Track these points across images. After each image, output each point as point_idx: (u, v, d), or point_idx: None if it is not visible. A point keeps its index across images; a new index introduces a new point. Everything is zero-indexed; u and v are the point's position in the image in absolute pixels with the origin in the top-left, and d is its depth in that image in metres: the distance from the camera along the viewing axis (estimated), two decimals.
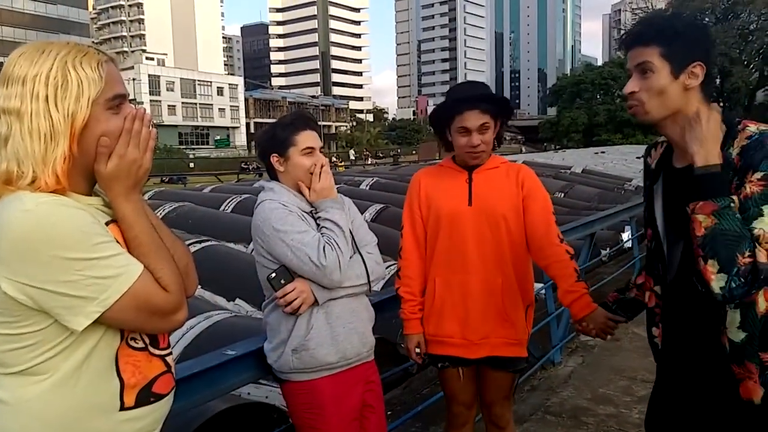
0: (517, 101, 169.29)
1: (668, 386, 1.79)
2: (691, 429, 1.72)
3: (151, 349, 1.28)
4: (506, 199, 2.33)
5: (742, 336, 1.50)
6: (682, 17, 1.65)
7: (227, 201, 10.73)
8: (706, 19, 61.42)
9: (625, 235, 8.25)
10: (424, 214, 2.42)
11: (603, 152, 30.81)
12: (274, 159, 2.15)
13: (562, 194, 12.88)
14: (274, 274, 2.01)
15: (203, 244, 6.78)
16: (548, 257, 2.32)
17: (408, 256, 2.43)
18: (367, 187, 13.35)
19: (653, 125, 1.66)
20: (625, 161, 24.22)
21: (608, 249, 8.24)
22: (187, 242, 6.45)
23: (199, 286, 5.91)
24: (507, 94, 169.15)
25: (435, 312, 2.38)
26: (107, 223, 1.22)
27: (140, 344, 1.26)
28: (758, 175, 1.44)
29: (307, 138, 2.14)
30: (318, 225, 2.11)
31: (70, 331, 1.14)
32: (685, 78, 1.57)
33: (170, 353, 1.34)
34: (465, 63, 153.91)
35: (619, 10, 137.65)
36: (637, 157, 25.20)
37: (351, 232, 2.17)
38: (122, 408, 1.21)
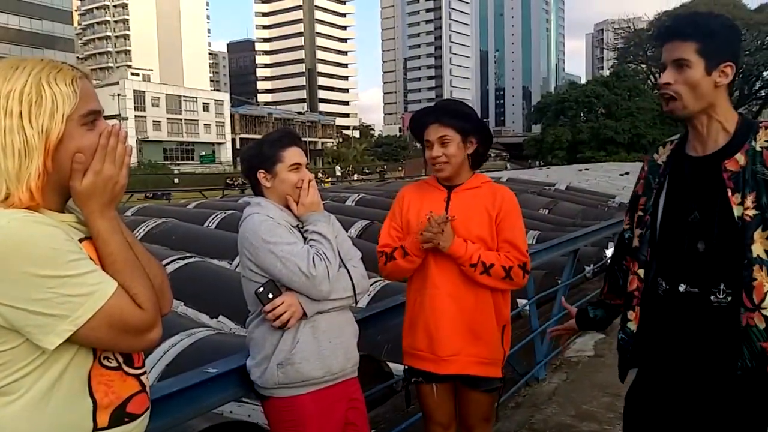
0: (502, 118, 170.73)
1: (645, 369, 1.86)
2: (673, 410, 1.78)
3: (126, 368, 1.26)
4: (481, 221, 2.34)
5: None
6: (719, 18, 1.73)
7: (211, 217, 10.65)
8: None
9: (609, 252, 8.31)
10: (403, 228, 2.44)
11: (587, 169, 31.05)
12: (261, 175, 2.16)
13: (547, 211, 12.96)
14: (261, 288, 2.01)
15: (187, 261, 6.72)
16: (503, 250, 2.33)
17: (384, 241, 2.45)
18: (353, 203, 13.35)
19: (685, 119, 1.74)
20: (608, 178, 24.42)
21: (592, 265, 8.30)
22: (171, 259, 6.40)
23: (182, 303, 5.88)
24: (492, 111, 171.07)
25: (410, 324, 2.42)
26: (81, 240, 1.21)
27: (114, 363, 1.24)
28: None
29: (294, 154, 2.16)
30: (305, 239, 2.11)
31: (42, 350, 1.13)
32: (716, 75, 1.66)
33: (145, 372, 1.32)
34: (450, 81, 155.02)
35: (602, 29, 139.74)
36: (620, 174, 25.47)
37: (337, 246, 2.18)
38: (95, 429, 1.19)
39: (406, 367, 2.46)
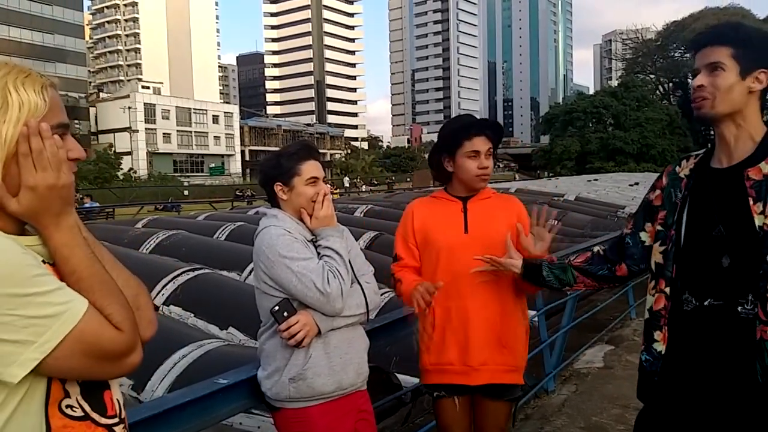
0: (510, 129, 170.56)
1: (671, 388, 1.78)
2: (692, 424, 1.73)
3: (95, 417, 1.05)
4: (504, 227, 2.38)
5: None
6: (755, 28, 1.76)
7: (221, 229, 10.70)
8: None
9: None
10: (419, 244, 2.45)
11: (596, 180, 30.96)
12: (278, 188, 2.17)
13: (556, 221, 12.92)
14: (277, 307, 2.01)
15: (197, 272, 6.75)
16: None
17: (403, 263, 2.48)
18: (361, 215, 13.37)
19: (713, 121, 1.72)
20: (617, 188, 24.33)
21: None
22: (181, 270, 6.43)
23: (192, 314, 5.91)
24: (500, 122, 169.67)
25: (437, 340, 2.40)
26: (46, 263, 1.04)
27: (78, 413, 1.03)
28: None
29: (312, 168, 2.17)
30: (318, 253, 2.13)
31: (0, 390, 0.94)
32: (750, 81, 1.66)
33: (122, 421, 1.11)
34: (459, 92, 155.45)
35: (610, 40, 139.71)
36: (630, 185, 25.38)
37: (350, 261, 2.19)
38: None
39: (421, 383, 2.46)
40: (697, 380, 1.72)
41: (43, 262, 1.03)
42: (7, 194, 1.01)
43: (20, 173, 1.01)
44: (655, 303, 1.81)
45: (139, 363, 1.07)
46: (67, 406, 1.02)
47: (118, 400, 1.12)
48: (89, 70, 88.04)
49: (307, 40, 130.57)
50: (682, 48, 70.54)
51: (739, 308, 1.63)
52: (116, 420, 1.10)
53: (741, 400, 1.64)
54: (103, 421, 1.07)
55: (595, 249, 2.06)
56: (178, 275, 6.28)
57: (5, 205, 1.02)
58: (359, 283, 2.20)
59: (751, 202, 1.62)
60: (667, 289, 1.78)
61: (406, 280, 2.42)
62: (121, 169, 57.46)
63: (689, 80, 71.27)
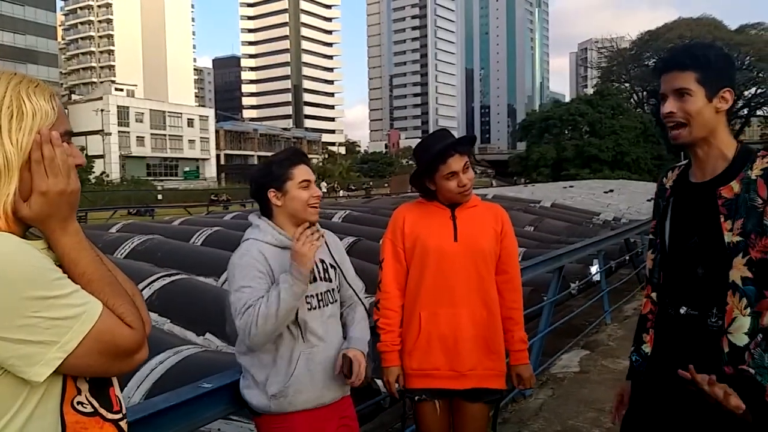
0: (488, 136, 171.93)
1: (652, 390, 1.87)
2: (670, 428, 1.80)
3: (103, 413, 1.12)
4: (489, 236, 2.47)
5: (745, 341, 1.64)
6: (713, 47, 1.84)
7: (197, 234, 10.61)
8: None
9: (594, 269, 8.39)
10: (407, 249, 2.48)
11: (571, 186, 31.33)
12: (271, 194, 2.18)
13: (532, 228, 13.05)
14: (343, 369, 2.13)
15: (173, 278, 6.69)
16: (509, 301, 2.51)
17: (388, 288, 2.48)
18: (340, 220, 13.35)
19: (688, 146, 1.80)
20: (592, 195, 24.65)
21: (577, 282, 8.36)
22: (157, 276, 6.37)
23: (168, 320, 5.85)
24: (477, 128, 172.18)
25: (420, 346, 2.43)
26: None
27: (88, 408, 1.09)
28: None
29: (303, 172, 2.19)
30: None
31: (25, 387, 1.00)
32: (717, 101, 1.74)
33: (124, 417, 1.17)
34: (436, 98, 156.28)
35: (586, 48, 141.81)
36: (605, 192, 25.75)
37: (340, 269, 2.28)
38: None
39: (403, 387, 2.48)
40: (674, 385, 1.78)
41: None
42: (19, 199, 1.05)
43: (32, 179, 1.05)
44: (644, 307, 1.94)
45: (146, 358, 1.15)
46: (78, 403, 1.08)
47: (119, 396, 1.16)
48: (61, 72, 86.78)
49: (285, 44, 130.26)
50: (656, 57, 71.79)
51: (708, 320, 1.72)
52: (120, 415, 1.16)
53: (711, 410, 1.70)
54: (110, 416, 1.13)
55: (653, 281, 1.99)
56: (154, 281, 6.22)
57: (17, 210, 1.05)
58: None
59: (722, 219, 1.70)
60: (654, 295, 1.90)
61: (389, 341, 2.46)
62: (93, 172, 56.62)
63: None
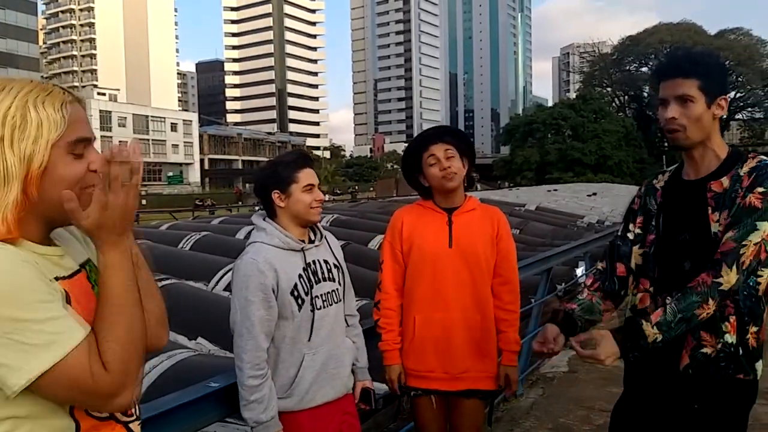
0: (472, 140, 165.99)
1: (644, 383, 1.96)
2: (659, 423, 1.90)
3: (117, 416, 1.15)
4: (485, 241, 2.50)
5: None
6: (712, 56, 1.95)
7: (185, 238, 10.59)
8: (650, 63, 64.74)
9: (579, 271, 8.50)
10: (404, 252, 2.53)
11: (555, 190, 31.62)
12: (275, 195, 2.22)
13: (518, 231, 13.18)
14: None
15: (163, 283, 6.69)
16: (505, 302, 2.53)
17: (387, 289, 2.53)
18: (328, 224, 13.38)
19: (685, 148, 1.89)
20: (576, 199, 24.92)
21: (563, 284, 8.46)
22: None
23: None
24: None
25: (415, 348, 2.48)
26: (61, 278, 1.09)
27: (104, 413, 1.12)
28: (760, 189, 1.72)
29: (308, 176, 2.24)
30: (306, 262, 2.19)
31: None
32: (714, 108, 1.84)
33: (137, 419, 1.19)
34: (420, 102, 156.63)
35: (568, 53, 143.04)
36: (588, 195, 26.02)
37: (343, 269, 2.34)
38: None
39: (402, 384, 2.53)
40: (665, 374, 1.87)
41: (56, 278, 1.07)
42: (78, 208, 1.05)
43: (94, 191, 1.07)
44: (640, 302, 1.99)
45: (130, 403, 1.10)
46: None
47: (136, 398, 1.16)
48: (42, 76, 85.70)
49: (269, 48, 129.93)
50: (637, 62, 72.64)
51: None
52: (134, 417, 1.18)
53: (696, 402, 1.82)
54: (123, 419, 1.16)
55: (598, 266, 2.19)
56: None
57: (76, 219, 1.06)
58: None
59: (710, 211, 1.80)
60: (652, 289, 1.97)
61: (390, 339, 2.50)
62: None
63: (644, 93, 73.42)
